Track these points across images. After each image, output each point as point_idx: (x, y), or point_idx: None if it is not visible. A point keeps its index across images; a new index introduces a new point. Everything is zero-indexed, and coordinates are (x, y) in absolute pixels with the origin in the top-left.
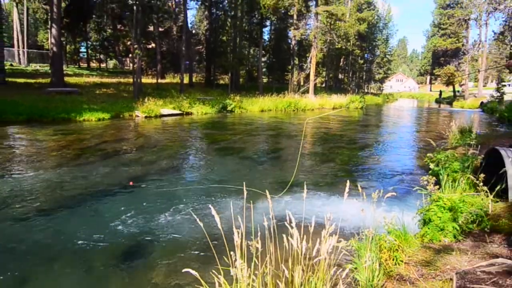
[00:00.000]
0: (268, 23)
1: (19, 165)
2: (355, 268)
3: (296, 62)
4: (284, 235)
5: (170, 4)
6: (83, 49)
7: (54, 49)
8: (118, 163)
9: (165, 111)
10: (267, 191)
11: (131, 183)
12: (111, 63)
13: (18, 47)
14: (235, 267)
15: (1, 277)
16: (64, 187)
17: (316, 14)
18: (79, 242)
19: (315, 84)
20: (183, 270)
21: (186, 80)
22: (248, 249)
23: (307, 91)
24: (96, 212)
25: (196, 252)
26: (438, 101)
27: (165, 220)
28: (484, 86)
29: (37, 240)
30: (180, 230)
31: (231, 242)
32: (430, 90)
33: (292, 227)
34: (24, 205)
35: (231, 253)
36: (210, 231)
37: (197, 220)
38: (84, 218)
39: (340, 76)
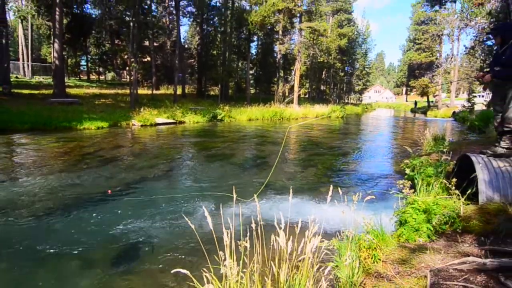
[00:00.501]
0: (255, 38)
1: (24, 170)
2: (336, 266)
3: (282, 74)
4: (272, 235)
5: (164, 20)
6: (83, 62)
7: (57, 62)
8: (115, 169)
9: (160, 120)
10: (255, 196)
11: (109, 191)
12: (110, 76)
13: (23, 60)
14: (225, 265)
15: None
16: (64, 191)
17: (300, 30)
18: (73, 241)
19: (299, 95)
20: (173, 271)
21: (179, 91)
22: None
23: (291, 102)
24: (93, 214)
25: (187, 252)
26: (413, 110)
27: (157, 223)
28: (456, 96)
29: (33, 240)
30: (173, 232)
31: (209, 243)
32: (406, 101)
33: (280, 227)
34: (25, 208)
35: (221, 252)
36: (199, 234)
37: (189, 223)
38: (79, 220)
39: (322, 87)
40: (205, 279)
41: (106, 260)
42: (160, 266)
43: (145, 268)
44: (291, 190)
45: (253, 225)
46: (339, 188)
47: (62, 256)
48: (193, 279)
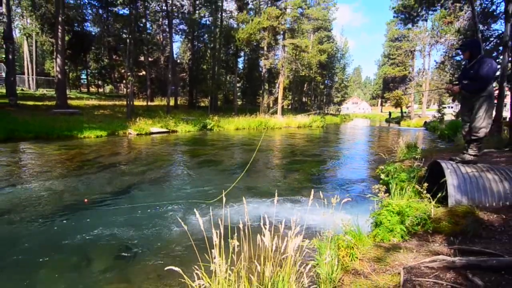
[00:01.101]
0: (242, 54)
1: (29, 175)
2: (317, 264)
3: (266, 87)
4: (258, 235)
5: (158, 37)
6: (83, 76)
7: (59, 76)
8: (113, 174)
9: (154, 129)
10: (244, 199)
11: (86, 200)
12: (108, 88)
13: (28, 74)
14: (214, 263)
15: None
16: (66, 195)
17: (283, 46)
18: (74, 240)
19: (282, 106)
20: (166, 268)
21: (172, 102)
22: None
23: (275, 112)
24: (92, 216)
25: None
26: (388, 120)
27: (153, 225)
28: (427, 107)
29: (36, 240)
30: (168, 233)
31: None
32: (381, 111)
33: (265, 228)
34: (31, 211)
35: (213, 250)
36: (188, 234)
37: (182, 224)
38: (79, 221)
39: (304, 99)
40: (195, 276)
41: (105, 258)
42: (155, 263)
43: (142, 265)
44: (276, 194)
45: (241, 225)
46: (320, 192)
47: (65, 254)
48: (185, 276)
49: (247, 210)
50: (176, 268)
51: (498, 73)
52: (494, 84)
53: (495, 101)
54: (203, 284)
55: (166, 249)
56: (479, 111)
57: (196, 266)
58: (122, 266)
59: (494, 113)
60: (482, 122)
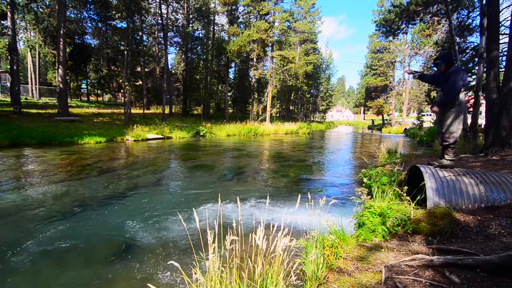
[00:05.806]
0: (233, 64)
1: (34, 178)
2: (303, 262)
3: (256, 96)
4: (249, 234)
5: (154, 49)
6: (84, 86)
7: (61, 85)
8: (112, 177)
9: (150, 135)
10: (238, 198)
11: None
12: (107, 97)
13: (32, 84)
14: (208, 259)
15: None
16: (68, 196)
17: (272, 57)
18: (77, 239)
19: (271, 114)
20: (168, 262)
21: (167, 110)
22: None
23: (264, 120)
24: (94, 215)
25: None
26: (370, 127)
27: (150, 224)
28: (407, 115)
29: (45, 237)
30: (164, 231)
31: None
32: (364, 119)
33: (258, 228)
34: (36, 211)
35: (211, 247)
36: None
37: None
38: (82, 221)
39: (291, 107)
40: (193, 272)
41: (106, 253)
42: (154, 258)
43: (141, 260)
44: (268, 196)
45: (234, 225)
46: (308, 194)
47: (68, 250)
48: (182, 271)
49: (240, 210)
50: (176, 264)
51: (473, 82)
52: (470, 93)
53: (471, 109)
54: (198, 279)
55: (165, 246)
56: (449, 118)
57: (192, 262)
58: (123, 259)
59: (469, 120)
60: (452, 129)
